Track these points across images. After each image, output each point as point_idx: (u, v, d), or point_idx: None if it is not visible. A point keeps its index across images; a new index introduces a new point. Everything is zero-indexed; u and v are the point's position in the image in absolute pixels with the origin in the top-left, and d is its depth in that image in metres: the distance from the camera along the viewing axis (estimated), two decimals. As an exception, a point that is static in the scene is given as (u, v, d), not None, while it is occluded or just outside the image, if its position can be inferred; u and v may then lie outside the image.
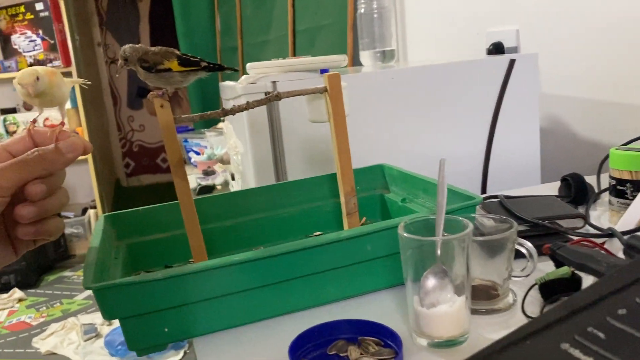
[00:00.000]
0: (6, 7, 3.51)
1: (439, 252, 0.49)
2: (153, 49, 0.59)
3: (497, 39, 1.48)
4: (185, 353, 2.15)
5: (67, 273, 3.39)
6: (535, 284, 0.57)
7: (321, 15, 2.21)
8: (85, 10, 4.66)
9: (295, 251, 0.55)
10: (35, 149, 0.47)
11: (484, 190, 1.11)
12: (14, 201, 0.46)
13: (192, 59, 0.59)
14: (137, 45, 0.59)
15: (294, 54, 2.56)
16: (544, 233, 0.69)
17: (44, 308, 2.85)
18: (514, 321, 0.54)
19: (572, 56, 1.24)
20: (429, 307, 0.49)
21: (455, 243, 0.49)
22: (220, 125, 3.17)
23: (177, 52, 0.59)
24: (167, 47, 0.60)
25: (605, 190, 0.87)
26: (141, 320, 0.53)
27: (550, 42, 1.30)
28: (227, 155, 2.40)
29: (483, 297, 0.56)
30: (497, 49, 1.48)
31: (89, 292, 3.07)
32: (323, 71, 1.05)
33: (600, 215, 0.81)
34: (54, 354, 2.32)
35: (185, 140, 2.68)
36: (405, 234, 0.49)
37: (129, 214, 0.75)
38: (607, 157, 0.95)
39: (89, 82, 0.63)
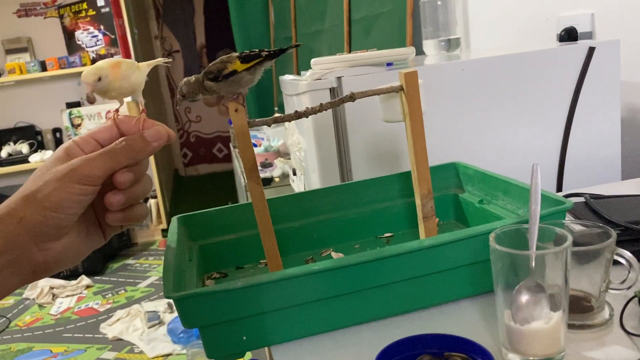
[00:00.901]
0: (70, 5, 3.64)
1: (533, 264, 0.46)
2: (212, 63, 0.58)
3: (569, 24, 1.40)
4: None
5: (130, 261, 3.51)
6: (634, 297, 0.53)
7: (379, 3, 2.16)
8: (143, 5, 4.77)
9: (376, 260, 0.53)
10: (122, 138, 0.49)
11: (559, 187, 1.05)
12: (103, 189, 0.48)
13: (252, 53, 0.57)
14: (191, 78, 0.58)
15: (349, 44, 2.52)
16: (637, 237, 0.64)
17: (110, 295, 2.96)
18: (612, 337, 0.50)
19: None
20: (523, 324, 0.46)
21: (553, 256, 0.45)
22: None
23: (236, 54, 0.58)
24: (225, 54, 0.59)
25: (701, 188, 0.81)
26: (220, 329, 0.52)
27: (630, 26, 1.22)
28: (284, 146, 2.40)
29: (575, 309, 0.53)
30: (569, 35, 1.40)
31: (152, 280, 3.18)
32: (389, 65, 1.02)
33: (697, 216, 0.75)
34: (120, 339, 2.41)
35: (242, 132, 2.71)
36: (497, 247, 0.46)
37: (201, 215, 0.75)
38: (700, 151, 0.88)
39: (170, 60, 0.63)
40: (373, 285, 0.55)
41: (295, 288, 0.52)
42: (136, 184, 0.50)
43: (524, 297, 0.46)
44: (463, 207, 0.79)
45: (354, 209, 0.79)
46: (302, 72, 1.19)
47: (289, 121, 0.61)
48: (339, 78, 0.96)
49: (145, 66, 0.55)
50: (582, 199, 0.82)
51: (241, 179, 2.36)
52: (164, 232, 3.90)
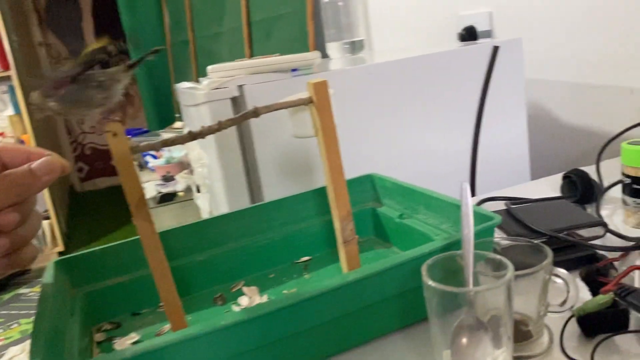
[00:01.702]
0: None
1: (472, 300, 0.40)
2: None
3: (468, 23, 1.41)
4: None
5: (23, 290, 3.19)
6: (572, 316, 0.49)
7: (278, 4, 2.09)
8: (22, 9, 4.37)
9: (294, 305, 0.45)
10: (6, 172, 0.41)
11: (472, 191, 1.04)
12: None
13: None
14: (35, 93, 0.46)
15: (250, 46, 2.43)
16: (562, 246, 0.62)
17: (1, 330, 2.66)
18: (555, 365, 0.46)
19: (550, 38, 1.17)
20: (466, 368, 0.40)
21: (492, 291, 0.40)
22: (177, 124, 3.02)
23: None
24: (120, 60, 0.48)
25: (611, 186, 0.81)
26: (109, 409, 0.42)
27: (526, 25, 1.24)
28: (187, 158, 2.26)
29: (515, 336, 0.48)
30: (469, 33, 1.40)
31: (49, 310, 2.90)
32: (294, 70, 0.95)
33: (610, 215, 0.75)
34: (15, 381, 2.16)
35: (141, 144, 2.53)
36: (431, 283, 0.40)
37: (84, 257, 0.64)
38: (604, 147, 0.89)
39: None
40: (292, 333, 0.47)
41: (200, 348, 0.43)
42: (22, 224, 0.42)
43: (464, 338, 0.41)
44: (382, 222, 0.74)
45: (266, 234, 0.71)
46: (201, 79, 1.10)
47: (182, 143, 0.52)
48: (240, 86, 0.87)
49: None
50: (497, 203, 0.80)
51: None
52: (61, 254, 3.59)
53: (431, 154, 1.00)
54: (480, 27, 1.37)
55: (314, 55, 0.90)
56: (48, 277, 0.59)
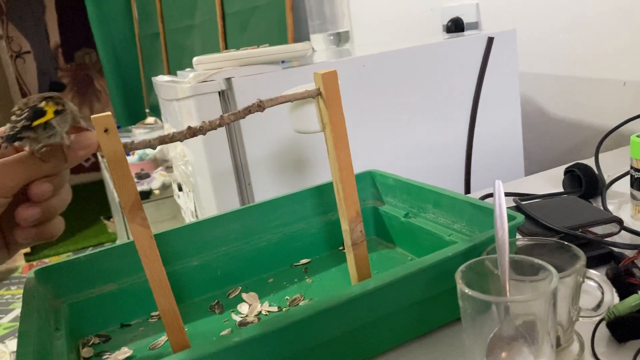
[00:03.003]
0: None
1: (510, 311, 0.37)
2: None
3: (454, 14, 1.38)
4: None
5: (-13, 293, 3.07)
6: (602, 320, 0.46)
7: (253, -5, 2.03)
8: (-19, 0, 4.19)
9: (310, 317, 0.41)
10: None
11: (467, 188, 1.01)
12: (14, 200, 0.42)
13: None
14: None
15: (225, 39, 2.36)
16: (575, 244, 0.59)
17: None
18: (589, 374, 0.43)
19: (538, 30, 1.16)
20: (507, 383, 0.37)
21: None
22: (149, 120, 2.93)
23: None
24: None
25: (615, 180, 0.79)
26: None
27: (514, 16, 1.22)
28: (162, 154, 2.18)
29: (542, 343, 0.45)
30: (456, 25, 1.38)
31: (16, 313, 2.78)
32: (282, 62, 0.91)
33: (617, 210, 0.73)
34: (-19, 389, 2.07)
35: (112, 140, 2.44)
36: (467, 291, 0.37)
37: (67, 265, 0.58)
38: (603, 140, 0.88)
39: None
40: (306, 347, 0.43)
41: (210, 368, 0.39)
42: (54, 196, 0.43)
43: (502, 349, 0.37)
44: (385, 222, 0.70)
45: (263, 235, 0.67)
46: (179, 73, 1.04)
47: (182, 140, 0.47)
48: (228, 79, 0.82)
49: None
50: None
51: (115, 194, 2.11)
52: (27, 256, 3.46)
53: (424, 148, 0.97)
54: (467, 19, 1.34)
55: (305, 47, 0.86)
56: (28, 289, 0.53)
